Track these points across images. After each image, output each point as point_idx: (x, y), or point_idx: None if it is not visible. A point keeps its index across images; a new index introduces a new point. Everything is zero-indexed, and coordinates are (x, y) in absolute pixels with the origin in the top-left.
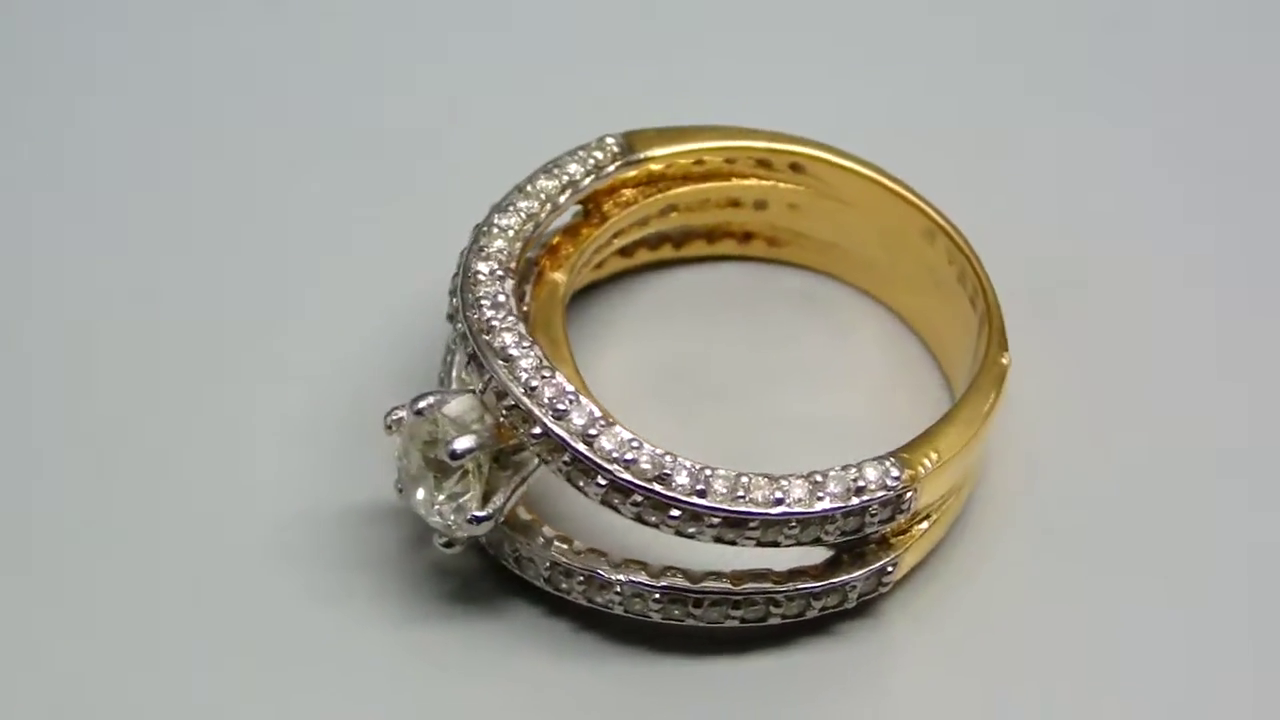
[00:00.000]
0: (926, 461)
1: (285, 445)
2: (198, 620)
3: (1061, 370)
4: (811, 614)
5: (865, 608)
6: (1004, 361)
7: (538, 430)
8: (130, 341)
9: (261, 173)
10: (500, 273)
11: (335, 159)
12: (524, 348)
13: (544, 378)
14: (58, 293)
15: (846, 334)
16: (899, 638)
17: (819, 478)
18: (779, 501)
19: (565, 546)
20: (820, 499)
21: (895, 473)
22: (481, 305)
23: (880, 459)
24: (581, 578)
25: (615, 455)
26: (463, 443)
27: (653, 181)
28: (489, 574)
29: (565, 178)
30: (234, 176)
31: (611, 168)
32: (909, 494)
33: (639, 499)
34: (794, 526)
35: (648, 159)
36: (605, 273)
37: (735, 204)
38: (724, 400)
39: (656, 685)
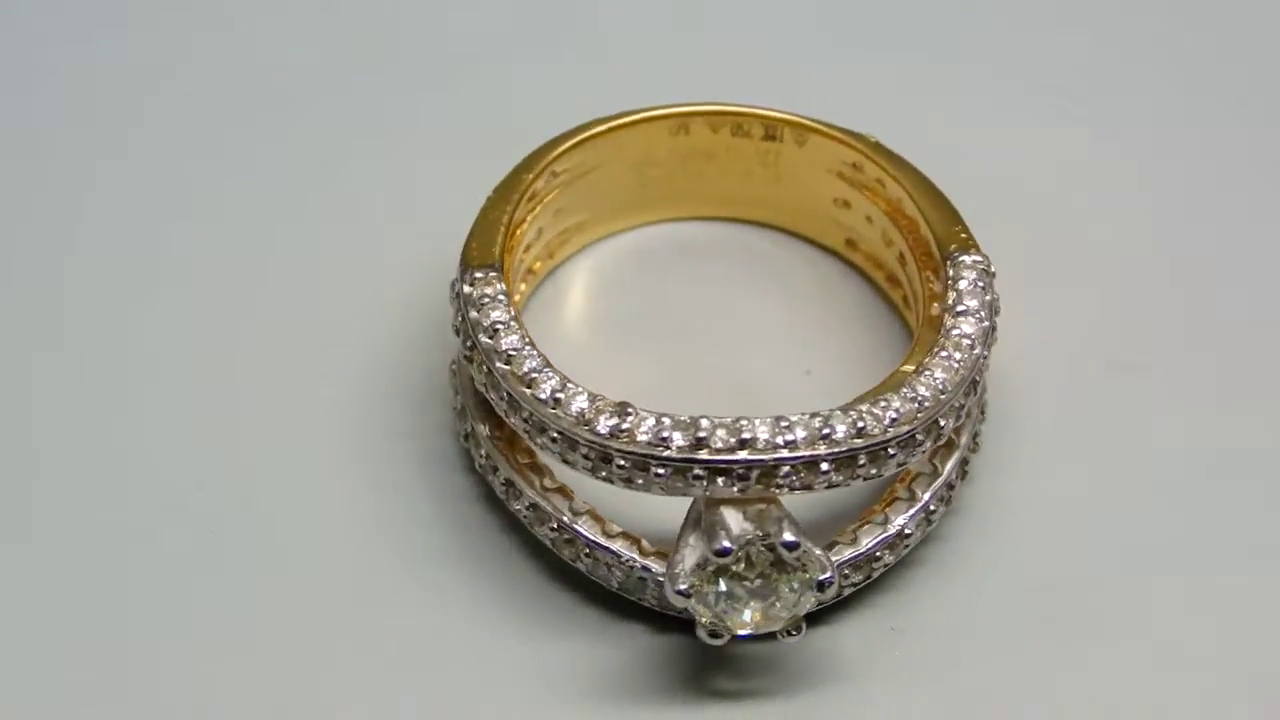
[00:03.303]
0: (964, 235)
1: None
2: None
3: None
4: (961, 484)
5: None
6: (873, 139)
7: (828, 467)
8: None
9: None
10: (604, 409)
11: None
12: (734, 424)
13: (785, 426)
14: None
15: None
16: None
17: (961, 308)
18: (971, 359)
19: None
20: (983, 322)
21: (977, 257)
22: (667, 436)
23: (950, 261)
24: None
25: (855, 430)
26: (789, 533)
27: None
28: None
29: (505, 314)
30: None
31: (499, 284)
32: (993, 266)
33: (893, 450)
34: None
35: (497, 263)
36: None
37: (527, 248)
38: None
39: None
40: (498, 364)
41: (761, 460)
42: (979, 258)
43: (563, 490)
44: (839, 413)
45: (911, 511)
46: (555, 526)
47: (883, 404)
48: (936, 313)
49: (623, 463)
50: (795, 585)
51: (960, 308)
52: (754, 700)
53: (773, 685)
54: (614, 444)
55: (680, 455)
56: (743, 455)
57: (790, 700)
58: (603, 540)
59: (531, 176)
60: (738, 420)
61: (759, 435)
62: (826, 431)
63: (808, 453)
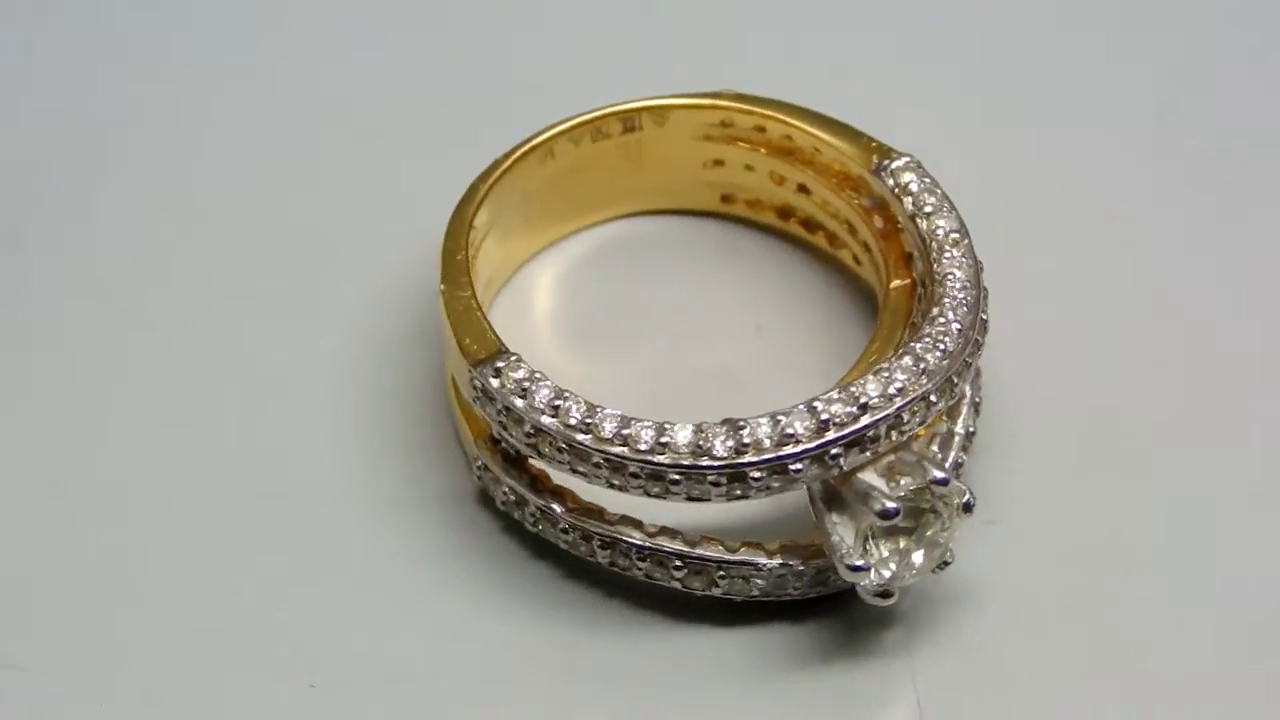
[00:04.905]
0: (875, 144)
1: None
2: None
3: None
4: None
5: None
6: (732, 92)
7: (936, 398)
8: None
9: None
10: (714, 434)
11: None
12: (845, 392)
13: (886, 376)
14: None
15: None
16: None
17: (928, 208)
18: (968, 246)
19: None
20: (954, 209)
21: (905, 158)
22: (792, 433)
23: (882, 172)
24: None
25: (942, 353)
26: (937, 470)
27: None
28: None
29: (551, 389)
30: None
31: (524, 364)
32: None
33: (969, 359)
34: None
35: (503, 347)
36: None
37: None
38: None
39: None
40: (579, 437)
41: (884, 416)
42: (906, 158)
43: (666, 531)
44: (917, 345)
45: (965, 410)
46: (679, 565)
47: (941, 321)
48: (882, 224)
49: (758, 474)
50: (943, 517)
51: (927, 208)
52: (917, 635)
53: (922, 616)
54: (744, 460)
55: (813, 444)
56: (866, 420)
57: (943, 623)
58: (733, 557)
59: (462, 255)
60: (846, 386)
61: (870, 393)
62: (923, 365)
63: (917, 392)
